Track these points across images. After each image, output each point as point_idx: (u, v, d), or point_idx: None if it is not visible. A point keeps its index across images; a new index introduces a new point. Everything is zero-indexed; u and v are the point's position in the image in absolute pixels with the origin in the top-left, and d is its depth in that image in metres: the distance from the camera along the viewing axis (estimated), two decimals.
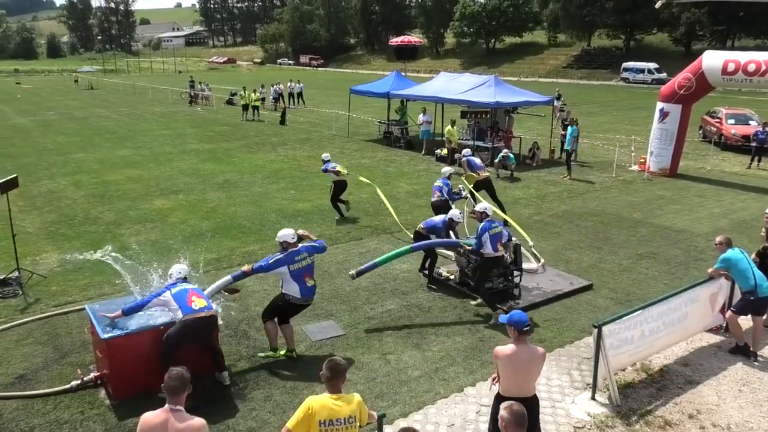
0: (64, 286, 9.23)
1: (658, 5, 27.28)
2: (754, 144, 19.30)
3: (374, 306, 8.60)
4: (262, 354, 7.15)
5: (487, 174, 13.48)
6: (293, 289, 6.88)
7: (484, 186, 13.22)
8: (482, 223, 8.39)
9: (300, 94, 38.34)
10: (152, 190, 15.66)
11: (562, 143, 19.06)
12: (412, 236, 10.01)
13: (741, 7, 52.77)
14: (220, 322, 6.76)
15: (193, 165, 19.04)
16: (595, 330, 6.06)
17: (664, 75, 53.40)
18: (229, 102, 37.72)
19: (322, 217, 13.14)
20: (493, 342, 7.54)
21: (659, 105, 17.37)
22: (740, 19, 56.02)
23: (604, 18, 66.09)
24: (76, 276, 9.61)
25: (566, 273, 9.79)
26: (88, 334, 6.98)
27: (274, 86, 34.80)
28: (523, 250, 9.68)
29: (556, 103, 24.23)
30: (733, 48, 54.89)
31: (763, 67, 14.87)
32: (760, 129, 19.58)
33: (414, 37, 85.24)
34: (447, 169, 12.41)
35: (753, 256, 7.89)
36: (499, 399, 4.72)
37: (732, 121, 22.75)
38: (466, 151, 14.45)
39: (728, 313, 7.42)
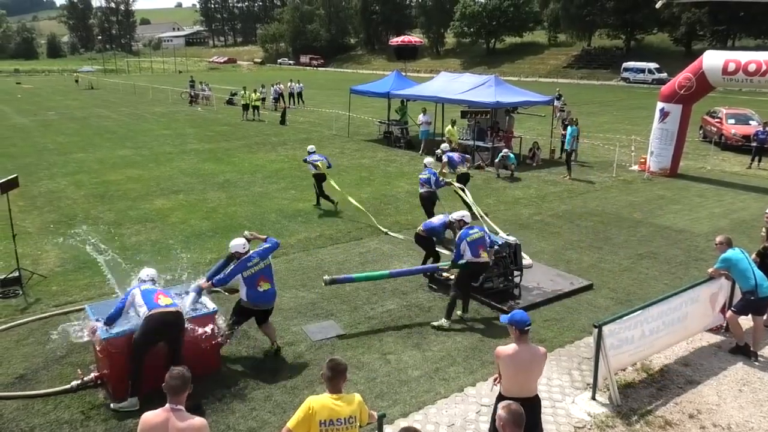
0: (65, 286, 9.24)
1: (658, 5, 27.27)
2: (754, 144, 19.29)
3: (374, 306, 8.60)
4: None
5: (465, 170, 13.60)
6: (245, 294, 6.87)
7: (461, 180, 13.23)
8: (460, 231, 8.27)
9: (300, 94, 38.33)
10: (152, 190, 15.66)
11: (563, 143, 19.07)
12: (413, 239, 9.98)
13: (741, 7, 52.75)
14: (220, 322, 6.76)
15: (193, 165, 19.05)
16: (596, 330, 6.06)
17: (664, 75, 53.37)
18: (230, 102, 37.73)
19: (323, 217, 13.14)
20: (493, 342, 7.54)
21: (659, 105, 17.37)
22: (741, 19, 55.99)
23: (605, 18, 66.06)
24: (77, 276, 9.62)
25: (566, 273, 9.79)
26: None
27: (275, 86, 34.80)
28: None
29: (556, 103, 24.24)
30: (733, 48, 54.88)
31: (764, 67, 14.87)
32: (761, 129, 19.58)
33: (414, 37, 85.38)
34: (429, 160, 12.65)
35: (753, 256, 7.89)
36: (500, 399, 4.71)
37: (732, 121, 22.75)
38: (445, 146, 14.89)
39: (728, 313, 7.42)
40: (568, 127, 18.34)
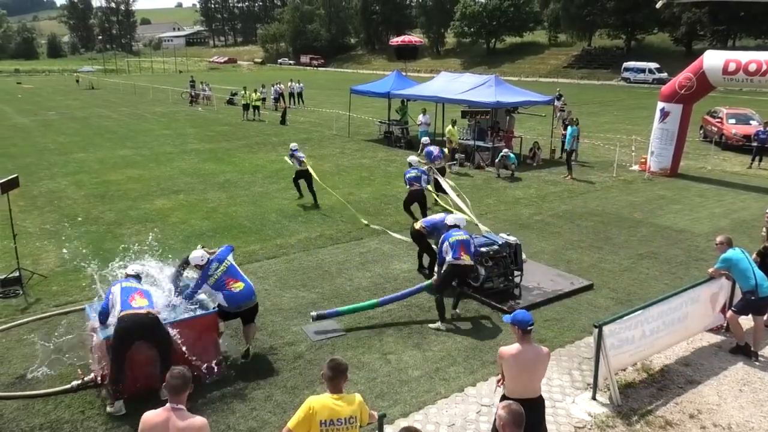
0: (65, 286, 9.24)
1: (659, 5, 27.24)
2: (755, 144, 19.28)
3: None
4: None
5: (442, 164, 14.17)
6: (223, 299, 6.79)
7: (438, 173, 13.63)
8: (445, 232, 8.29)
9: (300, 94, 38.33)
10: (153, 190, 15.67)
11: (563, 143, 19.07)
12: (410, 235, 9.95)
13: (742, 7, 52.73)
14: (221, 329, 6.77)
15: (193, 165, 19.05)
16: (596, 330, 6.06)
17: (664, 75, 53.34)
18: (230, 102, 37.75)
19: (323, 216, 13.15)
20: (494, 342, 7.55)
21: (660, 105, 17.36)
22: (741, 19, 55.98)
23: (605, 18, 66.04)
24: (77, 276, 9.60)
25: (567, 273, 9.79)
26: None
27: (275, 86, 34.81)
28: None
29: (556, 103, 24.24)
30: (734, 48, 54.85)
31: (764, 67, 14.86)
32: (761, 129, 19.56)
33: (414, 37, 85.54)
34: (414, 158, 12.95)
35: (754, 255, 7.90)
36: (504, 401, 4.68)
37: (733, 120, 22.74)
38: (425, 139, 15.75)
39: (729, 313, 7.42)
40: (569, 127, 18.34)
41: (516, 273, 9.20)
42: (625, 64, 61.07)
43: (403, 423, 5.82)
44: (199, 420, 3.90)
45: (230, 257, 7.13)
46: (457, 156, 18.60)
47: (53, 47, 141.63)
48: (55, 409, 6.13)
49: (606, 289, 9.25)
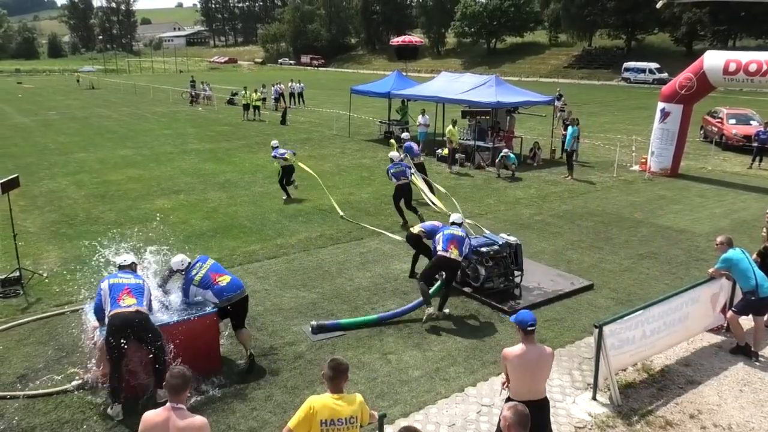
0: (65, 286, 9.23)
1: (659, 5, 27.19)
2: (755, 144, 19.27)
3: (375, 306, 8.59)
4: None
5: (420, 160, 14.80)
6: (212, 296, 6.76)
7: (417, 169, 13.87)
8: (443, 227, 8.54)
9: (300, 94, 38.34)
10: (153, 189, 15.67)
11: (563, 143, 19.06)
12: (406, 240, 9.93)
13: (742, 7, 52.71)
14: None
15: (194, 165, 19.05)
16: (596, 330, 6.06)
17: (665, 75, 53.34)
18: (230, 102, 37.76)
19: (323, 216, 13.15)
20: (494, 342, 7.55)
21: (660, 105, 17.36)
22: (741, 19, 55.95)
23: (605, 18, 66.02)
24: (77, 276, 9.60)
25: (567, 273, 9.79)
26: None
27: (275, 86, 34.81)
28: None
29: (557, 103, 24.22)
30: (734, 48, 54.84)
31: (765, 67, 14.86)
32: (762, 129, 19.55)
33: (415, 37, 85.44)
34: (395, 154, 13.33)
35: (754, 256, 7.89)
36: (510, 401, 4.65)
37: (733, 121, 22.73)
38: (405, 135, 16.44)
39: (729, 313, 7.42)
40: (569, 128, 18.33)
41: (516, 273, 9.19)
42: (626, 65, 61.06)
43: (403, 423, 5.81)
44: (199, 419, 3.90)
45: (210, 259, 7.12)
46: (457, 156, 18.60)
47: (54, 47, 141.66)
48: (55, 409, 6.13)
49: (606, 290, 9.25)
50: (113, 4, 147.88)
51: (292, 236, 11.78)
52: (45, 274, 9.65)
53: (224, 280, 6.82)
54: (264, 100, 32.73)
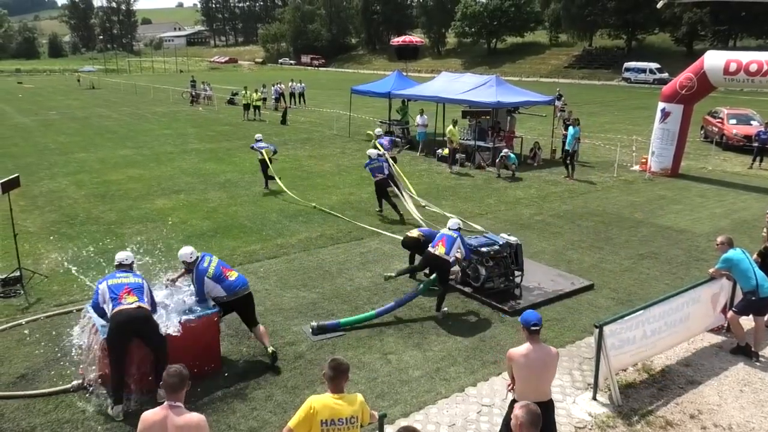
0: (66, 286, 9.24)
1: (660, 5, 27.20)
2: (756, 144, 19.26)
3: (375, 306, 8.57)
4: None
5: (394, 154, 15.53)
6: (222, 291, 6.79)
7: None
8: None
9: (302, 94, 38.35)
10: (153, 189, 15.67)
11: (564, 143, 19.04)
12: (401, 244, 9.93)
13: (743, 7, 52.68)
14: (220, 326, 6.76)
15: (194, 164, 19.06)
16: (597, 330, 6.06)
17: (665, 75, 53.31)
18: (231, 102, 37.76)
19: (323, 216, 13.14)
20: (494, 342, 7.55)
21: (661, 105, 17.36)
22: (742, 19, 55.92)
23: (606, 18, 66.00)
24: (78, 276, 9.61)
25: (567, 273, 9.79)
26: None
27: (275, 86, 34.82)
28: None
29: (557, 103, 24.22)
30: (734, 48, 54.81)
31: (765, 67, 14.85)
32: (762, 129, 19.54)
33: (415, 37, 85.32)
34: (372, 151, 13.59)
35: (754, 256, 7.89)
36: (514, 405, 4.63)
37: (734, 121, 22.72)
38: (378, 130, 16.93)
39: (730, 314, 7.41)
40: (570, 128, 18.31)
41: (517, 273, 9.19)
42: (626, 65, 61.03)
43: (403, 423, 5.81)
44: (196, 416, 3.92)
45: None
46: (458, 156, 18.60)
47: (54, 47, 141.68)
48: (55, 408, 6.13)
49: (607, 290, 9.25)
50: (114, 4, 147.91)
51: (292, 236, 11.78)
52: (45, 274, 9.65)
53: (233, 275, 6.94)
54: (264, 100, 32.74)
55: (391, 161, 13.84)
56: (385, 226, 12.37)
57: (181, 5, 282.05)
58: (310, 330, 7.74)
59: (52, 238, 11.59)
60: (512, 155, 17.59)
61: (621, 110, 35.62)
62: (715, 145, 21.49)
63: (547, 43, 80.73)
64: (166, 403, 3.92)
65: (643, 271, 10.04)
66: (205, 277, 6.75)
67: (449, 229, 8.58)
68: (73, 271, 9.66)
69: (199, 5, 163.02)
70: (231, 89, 40.87)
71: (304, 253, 10.81)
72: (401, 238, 11.30)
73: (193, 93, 39.90)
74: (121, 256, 6.55)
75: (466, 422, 5.97)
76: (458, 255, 8.45)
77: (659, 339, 6.79)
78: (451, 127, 19.33)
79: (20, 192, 12.50)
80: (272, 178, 15.35)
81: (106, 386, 6.33)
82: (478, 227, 11.70)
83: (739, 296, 7.47)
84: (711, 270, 7.51)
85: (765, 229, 8.62)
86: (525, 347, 4.76)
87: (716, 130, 22.95)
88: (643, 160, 18.06)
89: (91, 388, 6.32)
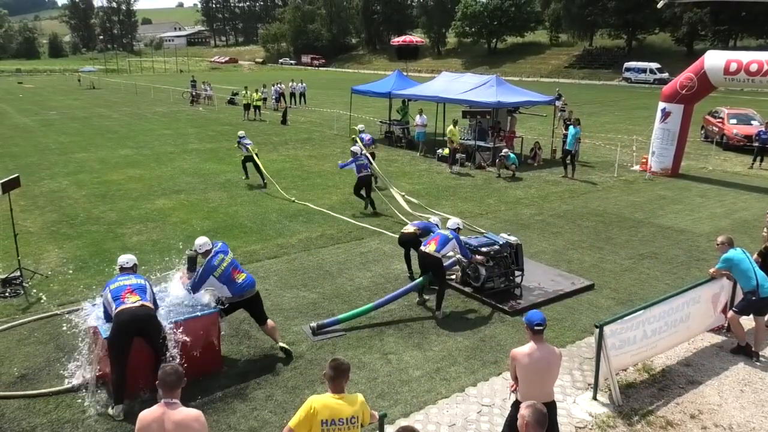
0: (66, 286, 9.24)
1: (660, 5, 27.23)
2: (756, 144, 19.26)
3: None
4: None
5: (373, 150, 16.23)
6: (228, 292, 6.79)
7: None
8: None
9: (303, 94, 38.37)
10: (154, 189, 15.67)
11: (564, 143, 19.04)
12: (398, 242, 9.93)
13: (743, 7, 52.69)
14: (222, 330, 6.75)
15: (194, 164, 19.06)
16: (597, 330, 6.06)
17: (666, 75, 53.36)
18: (231, 102, 37.77)
19: (324, 216, 13.15)
20: (495, 342, 7.55)
21: (661, 105, 17.35)
22: (742, 19, 55.93)
23: (606, 18, 66.02)
24: (78, 275, 9.62)
25: (568, 273, 9.78)
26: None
27: (276, 86, 34.83)
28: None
29: (557, 102, 24.22)
30: (735, 48, 54.79)
31: (765, 67, 14.85)
32: (763, 129, 19.53)
33: (415, 37, 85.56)
34: (356, 148, 13.96)
35: (755, 256, 7.88)
36: (517, 406, 4.60)
37: (734, 121, 22.72)
38: (360, 126, 17.59)
39: (730, 314, 7.41)
40: (570, 128, 18.31)
41: (517, 273, 9.19)
42: (627, 64, 61.07)
43: (404, 423, 5.81)
44: (194, 412, 3.94)
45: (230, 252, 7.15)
46: (458, 156, 18.59)
47: (54, 47, 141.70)
48: (56, 408, 6.13)
49: (607, 289, 9.25)
50: (114, 4, 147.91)
51: (292, 236, 11.78)
52: (45, 274, 9.65)
53: (241, 277, 6.94)
54: (265, 100, 32.74)
55: (369, 157, 14.14)
56: (386, 226, 12.37)
57: (181, 5, 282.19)
58: (310, 330, 7.75)
59: (52, 238, 11.59)
60: (512, 155, 17.59)
61: (621, 110, 35.62)
62: (715, 145, 21.48)
63: (547, 43, 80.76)
64: (162, 401, 3.93)
65: (644, 271, 10.04)
66: (212, 276, 6.73)
67: (447, 228, 8.58)
68: (74, 271, 9.67)
69: (199, 5, 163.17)
70: (231, 89, 40.89)
71: (305, 253, 10.81)
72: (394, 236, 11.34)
73: (194, 93, 39.91)
74: (123, 259, 6.56)
75: (467, 422, 5.97)
76: (456, 254, 8.49)
77: (659, 339, 6.79)
78: (451, 127, 19.32)
79: (21, 192, 12.52)
80: (246, 172, 16.46)
81: (107, 386, 6.34)
82: (480, 230, 11.70)
83: (739, 296, 7.46)
84: (711, 270, 7.51)
85: (765, 229, 8.60)
86: (528, 347, 4.75)
87: (717, 130, 22.94)
88: (644, 160, 18.06)
89: (91, 388, 6.32)
